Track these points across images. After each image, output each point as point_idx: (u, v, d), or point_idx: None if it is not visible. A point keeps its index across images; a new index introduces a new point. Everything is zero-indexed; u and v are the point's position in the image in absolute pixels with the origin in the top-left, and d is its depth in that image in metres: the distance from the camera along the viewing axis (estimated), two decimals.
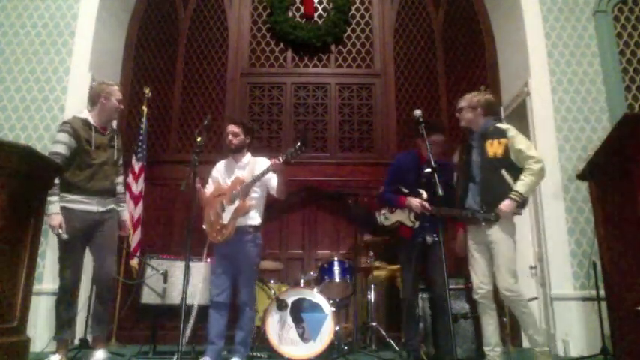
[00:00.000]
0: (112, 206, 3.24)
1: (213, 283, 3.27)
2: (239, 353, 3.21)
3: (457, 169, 3.35)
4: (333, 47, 5.84)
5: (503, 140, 3.05)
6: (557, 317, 3.99)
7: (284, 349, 3.51)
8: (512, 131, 3.10)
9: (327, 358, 3.60)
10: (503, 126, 3.18)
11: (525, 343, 4.21)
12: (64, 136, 3.05)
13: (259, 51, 5.83)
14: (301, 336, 3.56)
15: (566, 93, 4.44)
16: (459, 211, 3.09)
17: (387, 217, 3.38)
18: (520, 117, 4.62)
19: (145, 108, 4.96)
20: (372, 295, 4.47)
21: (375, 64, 5.81)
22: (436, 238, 3.06)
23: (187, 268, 2.77)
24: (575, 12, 4.62)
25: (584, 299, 3.91)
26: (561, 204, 4.18)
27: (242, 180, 3.23)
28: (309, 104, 5.73)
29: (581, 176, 3.70)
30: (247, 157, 3.41)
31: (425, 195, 3.14)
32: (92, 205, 3.10)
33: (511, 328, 4.10)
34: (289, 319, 3.60)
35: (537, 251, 4.49)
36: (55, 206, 2.97)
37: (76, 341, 3.51)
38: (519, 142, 3.04)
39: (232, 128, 3.36)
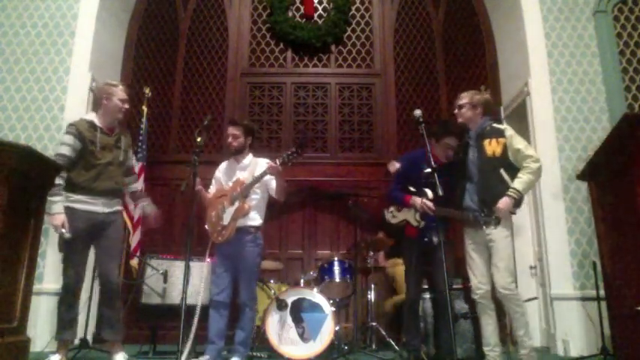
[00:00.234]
0: (117, 207, 3.25)
1: (214, 282, 3.28)
2: (239, 353, 3.21)
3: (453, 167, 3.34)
4: (333, 47, 5.84)
5: (501, 139, 3.05)
6: (557, 317, 3.99)
7: (284, 349, 3.51)
8: (509, 130, 3.11)
9: (327, 358, 3.60)
10: (500, 125, 3.18)
11: None
12: (68, 138, 3.06)
13: (259, 51, 5.83)
14: (301, 336, 3.56)
15: (566, 93, 4.44)
16: (460, 213, 3.09)
17: (394, 215, 3.36)
18: (520, 117, 4.62)
19: (145, 108, 4.95)
20: (372, 295, 4.47)
21: (375, 64, 5.81)
22: (441, 239, 3.04)
23: (187, 268, 2.78)
24: (575, 12, 4.62)
25: (584, 299, 3.91)
26: (561, 204, 4.18)
27: (242, 181, 3.24)
28: (309, 104, 5.73)
29: (581, 176, 3.71)
30: (248, 158, 3.42)
31: (430, 194, 3.13)
32: (97, 206, 3.10)
33: (511, 328, 4.10)
34: (289, 319, 3.59)
35: (537, 251, 4.49)
36: (58, 206, 2.97)
37: (76, 341, 3.51)
38: (518, 141, 3.05)
39: (232, 130, 3.37)
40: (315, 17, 5.85)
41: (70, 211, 3.01)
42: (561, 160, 4.28)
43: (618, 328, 3.19)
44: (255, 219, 3.28)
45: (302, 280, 4.27)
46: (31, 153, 2.77)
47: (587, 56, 4.52)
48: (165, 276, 3.73)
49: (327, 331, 3.56)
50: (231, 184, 3.33)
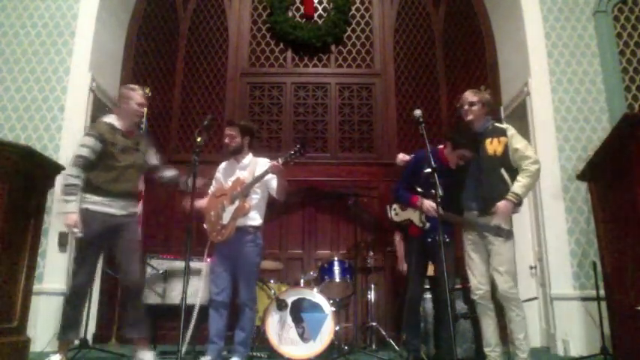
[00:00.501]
0: (133, 210, 3.26)
1: (213, 282, 3.27)
2: (239, 353, 3.20)
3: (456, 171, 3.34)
4: (333, 47, 5.84)
5: (503, 139, 3.05)
6: (557, 317, 3.99)
7: (284, 349, 3.51)
8: (511, 130, 3.11)
9: (327, 358, 3.60)
10: (502, 125, 3.18)
11: None
12: (88, 140, 3.07)
13: (259, 51, 5.83)
14: (301, 336, 3.56)
15: (566, 93, 4.44)
16: (462, 219, 3.08)
17: (397, 213, 3.34)
18: (520, 117, 4.62)
19: (145, 108, 4.95)
20: (372, 295, 4.46)
21: (375, 64, 5.81)
22: (447, 239, 3.03)
23: (187, 268, 2.77)
24: (575, 12, 4.62)
25: (584, 299, 3.91)
26: (561, 204, 4.18)
27: (242, 181, 3.24)
28: (309, 104, 5.73)
29: (581, 176, 3.71)
30: (248, 158, 3.41)
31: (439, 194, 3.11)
32: (113, 208, 3.10)
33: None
34: (289, 319, 3.60)
35: (537, 251, 4.49)
36: (72, 205, 2.97)
37: (76, 341, 3.51)
38: (517, 141, 3.05)
39: (228, 131, 3.38)
40: (315, 17, 5.85)
41: (86, 213, 3.02)
42: (561, 160, 4.27)
43: (618, 328, 3.19)
44: (255, 219, 3.28)
45: (302, 280, 4.27)
46: (31, 153, 2.77)
47: (587, 56, 4.51)
48: (165, 276, 3.73)
49: (327, 331, 3.56)
50: (230, 183, 3.33)
